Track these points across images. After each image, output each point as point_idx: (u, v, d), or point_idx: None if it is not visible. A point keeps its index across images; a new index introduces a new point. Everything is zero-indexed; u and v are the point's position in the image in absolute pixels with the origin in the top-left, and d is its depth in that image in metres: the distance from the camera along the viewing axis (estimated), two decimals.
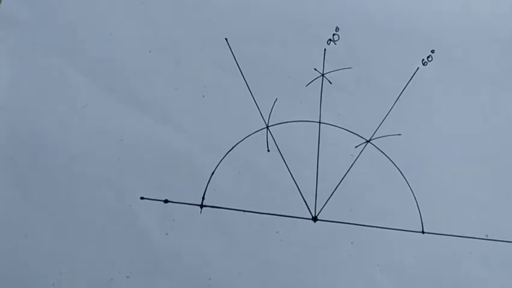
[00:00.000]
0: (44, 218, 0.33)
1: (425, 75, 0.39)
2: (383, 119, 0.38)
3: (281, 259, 0.34)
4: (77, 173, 0.34)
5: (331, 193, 0.36)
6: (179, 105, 0.36)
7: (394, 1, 0.40)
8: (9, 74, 0.34)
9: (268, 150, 0.36)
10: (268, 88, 0.37)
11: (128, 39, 0.36)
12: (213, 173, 0.35)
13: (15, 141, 0.34)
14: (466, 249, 0.36)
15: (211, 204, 0.35)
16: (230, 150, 0.36)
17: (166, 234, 0.34)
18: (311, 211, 0.36)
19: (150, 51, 0.36)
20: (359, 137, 0.37)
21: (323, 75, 0.38)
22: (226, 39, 0.37)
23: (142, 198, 0.34)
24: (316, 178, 0.36)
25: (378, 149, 0.37)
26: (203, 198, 0.35)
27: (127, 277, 0.33)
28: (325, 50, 0.38)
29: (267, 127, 0.37)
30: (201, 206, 0.35)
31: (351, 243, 0.35)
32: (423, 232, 0.36)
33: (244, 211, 0.35)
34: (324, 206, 0.36)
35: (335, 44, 0.38)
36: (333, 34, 0.38)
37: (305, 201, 0.36)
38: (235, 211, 0.35)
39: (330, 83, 0.38)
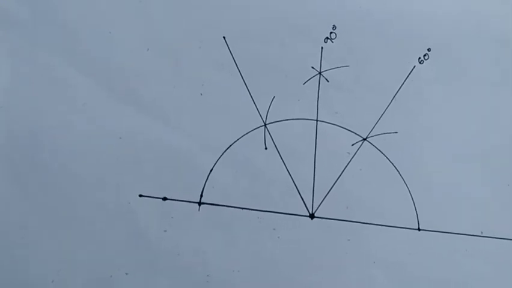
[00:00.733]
0: (43, 215, 0.33)
1: (421, 74, 0.39)
2: (379, 117, 0.38)
3: (278, 256, 0.35)
4: (75, 171, 0.34)
5: (328, 190, 0.36)
6: (177, 103, 0.36)
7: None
8: (8, 74, 0.35)
9: (266, 148, 0.36)
10: (266, 86, 0.37)
11: (126, 38, 0.36)
12: (211, 171, 0.35)
13: (14, 140, 0.34)
14: (462, 246, 0.37)
15: (209, 202, 0.35)
16: (228, 148, 0.36)
17: (165, 231, 0.34)
18: (308, 208, 0.36)
19: (148, 49, 0.36)
20: (356, 135, 0.37)
21: (320, 73, 0.38)
22: (224, 37, 0.37)
23: (140, 195, 0.34)
24: (314, 176, 0.36)
25: (375, 146, 0.37)
26: (201, 195, 0.35)
27: (126, 274, 0.33)
28: (322, 48, 0.38)
29: (265, 125, 0.37)
30: (199, 203, 0.35)
31: (348, 240, 0.36)
32: (419, 229, 0.36)
33: (242, 208, 0.35)
34: (321, 203, 0.36)
35: (332, 42, 0.38)
36: (331, 32, 0.38)
37: (302, 199, 0.36)
38: (233, 208, 0.35)
39: (327, 81, 0.38)
